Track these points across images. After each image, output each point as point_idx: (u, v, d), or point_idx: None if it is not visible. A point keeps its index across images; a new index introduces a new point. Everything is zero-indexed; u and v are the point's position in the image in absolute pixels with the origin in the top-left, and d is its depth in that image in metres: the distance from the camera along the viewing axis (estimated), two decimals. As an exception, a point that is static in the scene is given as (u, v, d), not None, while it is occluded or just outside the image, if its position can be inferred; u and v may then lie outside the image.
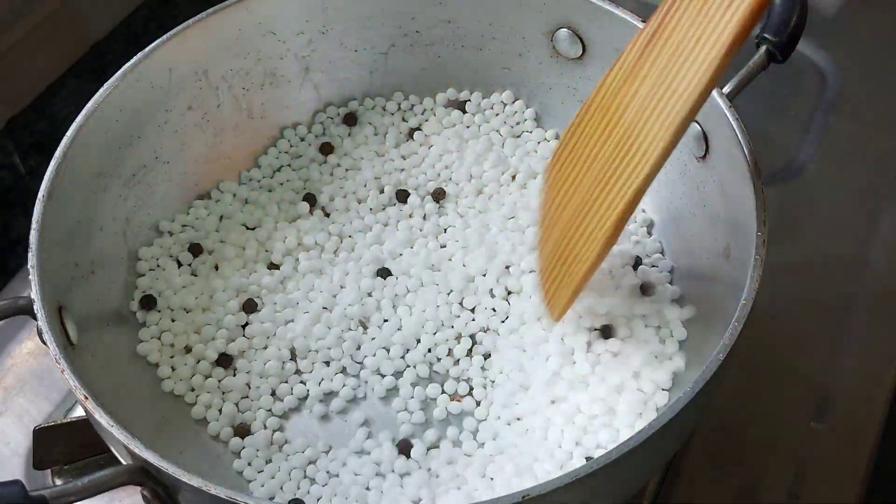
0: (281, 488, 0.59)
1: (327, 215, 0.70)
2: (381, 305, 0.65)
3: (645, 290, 0.64)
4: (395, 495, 0.57)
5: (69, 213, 0.59)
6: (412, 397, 0.62)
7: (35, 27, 0.79)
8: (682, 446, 0.63)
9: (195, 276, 0.66)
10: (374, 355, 0.63)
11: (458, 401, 0.61)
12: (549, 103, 0.71)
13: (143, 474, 0.48)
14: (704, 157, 0.61)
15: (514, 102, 0.72)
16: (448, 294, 0.66)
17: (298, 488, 0.59)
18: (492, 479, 0.57)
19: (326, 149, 0.72)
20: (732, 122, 0.57)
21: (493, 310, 0.65)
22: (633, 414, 0.59)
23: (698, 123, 0.60)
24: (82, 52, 0.83)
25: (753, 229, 0.54)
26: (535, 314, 0.64)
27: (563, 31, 0.67)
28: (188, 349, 0.63)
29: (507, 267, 0.66)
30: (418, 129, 0.73)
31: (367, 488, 0.58)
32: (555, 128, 0.72)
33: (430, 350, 0.64)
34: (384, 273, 0.67)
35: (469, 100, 0.73)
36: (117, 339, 0.62)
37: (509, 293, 0.66)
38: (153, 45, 0.64)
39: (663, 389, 0.60)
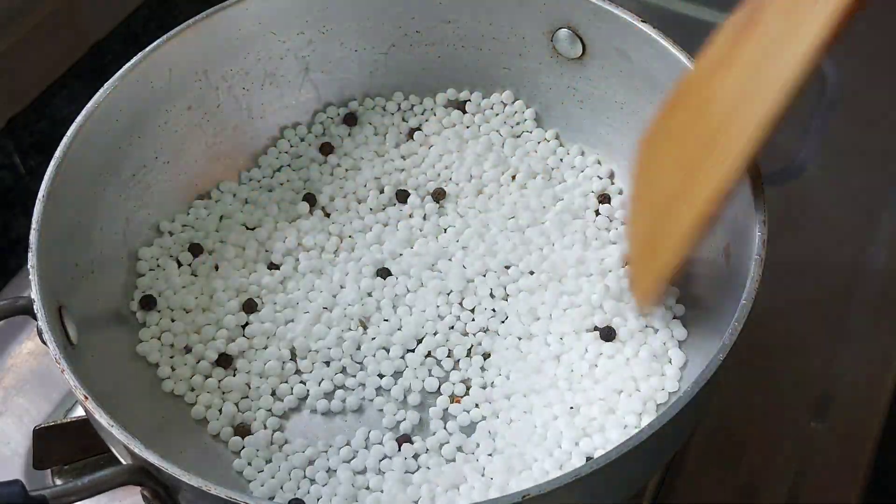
0: (281, 488, 0.59)
1: (327, 215, 0.70)
2: (381, 305, 0.65)
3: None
4: (395, 495, 0.57)
5: (69, 213, 0.59)
6: (412, 397, 0.62)
7: (35, 27, 0.79)
8: (682, 446, 0.63)
9: (195, 276, 0.66)
10: (374, 356, 0.63)
11: (458, 401, 0.61)
12: (549, 103, 0.71)
13: (143, 474, 0.48)
14: (704, 157, 0.61)
15: (513, 102, 0.72)
16: (448, 294, 0.66)
17: (298, 488, 0.59)
18: (491, 478, 0.57)
19: (326, 149, 0.72)
20: (732, 122, 0.57)
21: (493, 310, 0.65)
22: (633, 414, 0.59)
23: (698, 123, 0.60)
24: (82, 52, 0.83)
25: (753, 229, 0.54)
26: (535, 315, 0.64)
27: (563, 31, 0.67)
28: (188, 349, 0.63)
29: (507, 267, 0.66)
30: (418, 129, 0.73)
31: (367, 488, 0.58)
32: (555, 128, 0.72)
33: (430, 351, 0.64)
34: (384, 273, 0.67)
35: (469, 100, 0.73)
36: (117, 339, 0.62)
37: (508, 294, 0.66)
38: (153, 45, 0.64)
39: (663, 389, 0.60)
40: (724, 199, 0.51)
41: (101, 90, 0.61)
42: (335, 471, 0.59)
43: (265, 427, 0.61)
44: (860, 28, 0.87)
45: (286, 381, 0.63)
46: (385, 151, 0.72)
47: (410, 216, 0.69)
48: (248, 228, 0.69)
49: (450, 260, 0.67)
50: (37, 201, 0.56)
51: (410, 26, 0.71)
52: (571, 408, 0.60)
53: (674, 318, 0.63)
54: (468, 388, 0.62)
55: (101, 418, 0.49)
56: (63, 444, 0.62)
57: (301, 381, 0.63)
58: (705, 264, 0.62)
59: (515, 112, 0.72)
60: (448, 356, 0.63)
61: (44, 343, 0.52)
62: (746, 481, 0.64)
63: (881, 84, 0.84)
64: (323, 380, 0.62)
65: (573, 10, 0.66)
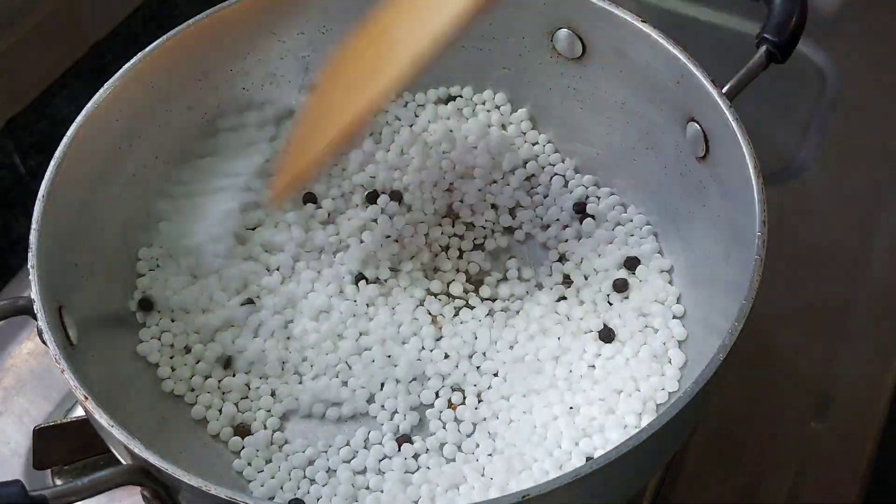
0: (281, 488, 0.59)
1: (328, 216, 0.70)
2: (379, 306, 0.65)
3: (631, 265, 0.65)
4: (395, 495, 0.57)
5: (69, 213, 0.59)
6: (412, 397, 0.62)
7: (35, 27, 0.79)
8: (682, 446, 0.63)
9: (195, 276, 0.66)
10: (374, 356, 0.63)
11: (454, 409, 0.61)
12: (549, 103, 0.71)
13: (143, 474, 0.48)
14: (704, 157, 0.61)
15: (507, 103, 0.72)
16: (447, 295, 0.66)
17: (298, 488, 0.59)
18: (491, 478, 0.57)
19: (326, 149, 0.72)
20: (732, 122, 0.57)
21: (493, 311, 0.65)
22: (633, 414, 0.59)
23: (698, 123, 0.61)
24: (82, 52, 0.83)
25: (753, 229, 0.54)
26: (535, 315, 0.64)
27: (563, 31, 0.67)
28: (188, 349, 0.63)
29: (508, 270, 0.67)
30: (415, 127, 0.73)
31: (367, 488, 0.58)
32: (554, 128, 0.72)
33: (431, 350, 0.64)
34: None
35: (460, 96, 0.73)
36: (117, 339, 0.62)
37: (511, 295, 0.66)
38: (153, 45, 0.64)
39: (663, 389, 0.60)
40: (367, 118, 0.57)
41: (101, 90, 0.61)
42: (335, 471, 0.59)
43: (265, 427, 0.61)
44: (860, 28, 0.87)
45: (286, 382, 0.62)
46: (384, 151, 0.72)
47: (408, 212, 0.69)
48: (246, 228, 0.69)
49: (448, 259, 0.67)
50: (37, 201, 0.56)
51: (410, 26, 0.71)
52: (571, 408, 0.60)
53: (674, 318, 0.63)
54: (469, 389, 0.62)
55: (101, 418, 0.49)
56: (63, 444, 0.62)
57: (300, 382, 0.63)
58: (705, 264, 0.62)
59: (511, 113, 0.72)
60: (446, 359, 0.63)
61: (44, 343, 0.52)
62: (746, 481, 0.64)
63: (881, 84, 0.84)
64: (323, 380, 0.62)
65: (573, 10, 0.66)
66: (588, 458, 0.57)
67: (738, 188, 0.56)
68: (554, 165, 0.71)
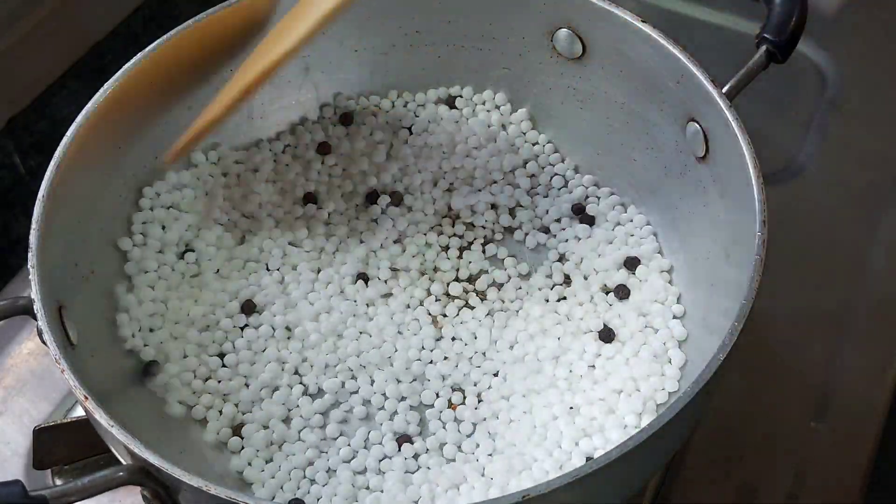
0: (281, 488, 0.59)
1: (328, 216, 0.70)
2: (379, 306, 0.65)
3: (631, 265, 0.65)
4: (395, 495, 0.57)
5: (69, 213, 0.59)
6: (412, 398, 0.62)
7: (35, 27, 0.79)
8: (682, 446, 0.63)
9: (194, 277, 0.66)
10: (374, 356, 0.63)
11: (454, 408, 0.61)
12: (549, 103, 0.71)
13: (143, 474, 0.48)
14: (704, 157, 0.61)
15: (507, 103, 0.72)
16: (447, 296, 0.66)
17: (298, 488, 0.58)
18: (491, 478, 0.57)
19: (324, 149, 0.72)
20: (732, 122, 0.57)
21: (493, 311, 0.65)
22: (633, 414, 0.59)
23: (698, 123, 0.61)
24: (82, 52, 0.83)
25: (753, 229, 0.54)
26: (535, 315, 0.64)
27: (563, 31, 0.67)
28: (188, 352, 0.63)
29: (508, 270, 0.67)
30: (415, 128, 0.73)
31: (367, 488, 0.58)
32: (554, 128, 0.72)
33: (431, 350, 0.64)
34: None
35: (460, 96, 0.73)
36: (117, 339, 0.62)
37: (511, 295, 0.66)
38: (153, 45, 0.63)
39: (663, 389, 0.60)
40: (254, 86, 0.61)
41: (101, 90, 0.61)
42: (335, 471, 0.59)
43: (265, 428, 0.61)
44: (860, 28, 0.87)
45: (287, 383, 0.62)
46: (384, 151, 0.72)
47: (405, 215, 0.69)
48: (247, 231, 0.69)
49: (448, 259, 0.67)
50: (37, 201, 0.56)
51: (410, 26, 0.71)
52: (571, 408, 0.60)
53: (674, 318, 0.63)
54: (469, 389, 0.62)
55: (101, 418, 0.49)
56: (63, 444, 0.62)
57: (301, 383, 0.63)
58: (705, 264, 0.62)
59: (511, 113, 0.72)
60: (446, 360, 0.63)
61: (44, 343, 0.52)
62: (746, 481, 0.64)
63: (881, 84, 0.84)
64: (322, 380, 0.62)
65: (573, 10, 0.66)
66: (588, 458, 0.57)
67: (738, 188, 0.56)
68: (554, 165, 0.71)
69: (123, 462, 0.51)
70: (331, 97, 0.73)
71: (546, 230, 0.69)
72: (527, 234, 0.69)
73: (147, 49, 0.63)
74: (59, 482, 0.63)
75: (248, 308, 0.65)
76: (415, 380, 0.62)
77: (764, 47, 0.60)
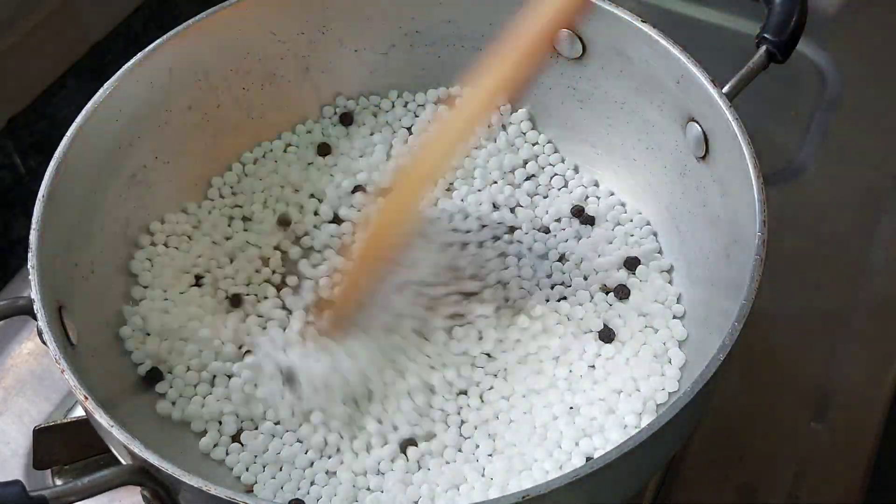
0: (281, 488, 0.59)
1: (333, 215, 0.70)
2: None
3: (631, 265, 0.65)
4: (395, 495, 0.57)
5: (69, 213, 0.59)
6: (412, 398, 0.62)
7: (35, 27, 0.79)
8: (682, 446, 0.63)
9: (196, 287, 0.66)
10: (374, 357, 0.63)
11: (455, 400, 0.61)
12: (549, 103, 0.71)
13: (143, 474, 0.48)
14: (704, 157, 0.61)
15: (507, 103, 0.72)
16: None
17: (298, 488, 0.58)
18: (491, 478, 0.57)
19: (324, 149, 0.72)
20: (732, 122, 0.57)
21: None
22: (633, 414, 0.59)
23: (698, 123, 0.61)
24: (82, 52, 0.83)
25: (753, 229, 0.54)
26: (536, 315, 0.64)
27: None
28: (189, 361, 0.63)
29: (508, 270, 0.67)
30: (415, 128, 0.73)
31: (367, 488, 0.58)
32: (554, 128, 0.72)
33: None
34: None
35: (460, 96, 0.73)
36: (117, 339, 0.62)
37: (511, 295, 0.66)
38: (153, 45, 0.64)
39: (663, 389, 0.60)
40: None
41: (101, 90, 0.61)
42: (335, 472, 0.59)
43: (264, 429, 0.60)
44: (860, 28, 0.87)
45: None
46: (384, 151, 0.72)
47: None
48: (245, 230, 0.69)
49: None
50: (37, 201, 0.56)
51: (410, 26, 0.71)
52: (571, 408, 0.60)
53: (674, 318, 0.63)
54: (469, 388, 0.62)
55: (101, 418, 0.49)
56: (63, 444, 0.62)
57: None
58: (705, 264, 0.62)
59: (511, 113, 0.72)
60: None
61: (44, 343, 0.52)
62: (746, 481, 0.64)
63: (881, 84, 0.84)
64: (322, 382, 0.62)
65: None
66: (588, 458, 0.57)
67: (738, 188, 0.56)
68: (554, 165, 0.71)
69: (123, 462, 0.51)
70: (331, 97, 0.73)
71: (546, 230, 0.69)
72: (527, 234, 0.69)
73: (147, 49, 0.63)
74: (59, 482, 0.63)
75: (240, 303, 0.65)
76: (415, 379, 0.62)
77: (764, 47, 0.60)
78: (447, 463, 0.59)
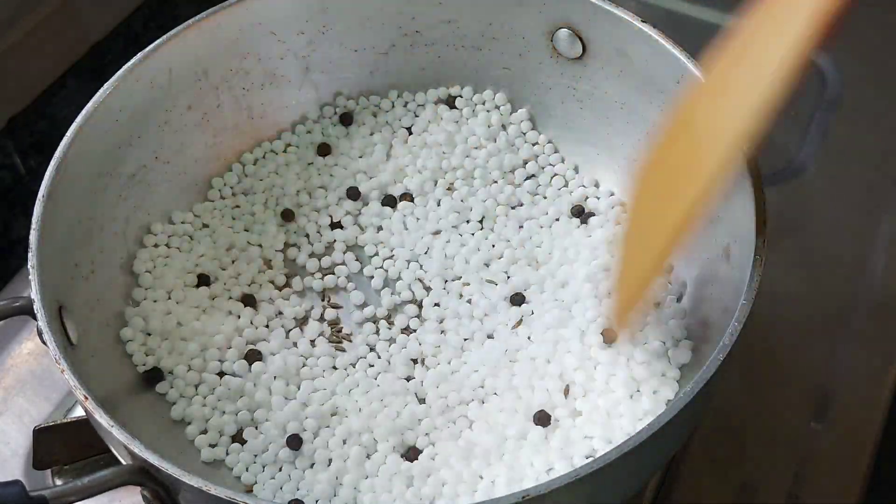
0: (281, 488, 0.59)
1: (331, 218, 0.70)
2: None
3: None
4: (396, 495, 0.57)
5: (69, 213, 0.59)
6: (411, 398, 0.62)
7: (35, 27, 0.79)
8: (682, 446, 0.63)
9: (197, 288, 0.66)
10: (374, 355, 0.63)
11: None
12: (549, 103, 0.71)
13: (143, 474, 0.48)
14: (704, 157, 0.61)
15: (507, 103, 0.72)
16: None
17: (298, 489, 0.58)
18: (492, 481, 0.57)
19: (324, 149, 0.72)
20: (732, 123, 0.57)
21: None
22: (633, 415, 0.59)
23: (698, 123, 0.60)
24: (82, 52, 0.83)
25: (753, 230, 0.54)
26: (536, 315, 0.64)
27: (563, 31, 0.67)
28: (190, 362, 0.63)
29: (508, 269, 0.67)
30: (415, 128, 0.73)
31: (367, 489, 0.58)
32: (554, 128, 0.72)
33: (434, 355, 0.64)
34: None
35: (460, 96, 0.73)
36: (117, 339, 0.62)
37: (518, 296, 0.66)
38: (153, 45, 0.64)
39: (663, 390, 0.60)
40: (693, 223, 0.50)
41: (101, 90, 0.61)
42: (335, 472, 0.59)
43: (264, 432, 0.60)
44: (860, 28, 0.87)
45: (288, 384, 0.62)
46: (384, 151, 0.72)
47: (406, 215, 0.69)
48: (245, 230, 0.69)
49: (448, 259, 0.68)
50: (37, 201, 0.56)
51: (410, 26, 0.71)
52: (571, 409, 0.60)
53: (673, 319, 0.63)
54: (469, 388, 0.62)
55: (101, 418, 0.49)
56: (63, 444, 0.62)
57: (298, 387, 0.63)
58: (705, 264, 0.62)
59: (511, 113, 0.72)
60: (448, 363, 0.63)
61: (44, 343, 0.52)
62: (746, 481, 0.64)
63: (881, 84, 0.84)
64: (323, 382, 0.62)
65: (573, 10, 0.66)
66: (588, 458, 0.57)
67: (738, 188, 0.56)
68: (554, 165, 0.71)
69: (123, 462, 0.51)
70: (331, 97, 0.73)
71: (546, 230, 0.69)
72: (527, 234, 0.68)
73: (147, 49, 0.63)
74: (59, 482, 0.63)
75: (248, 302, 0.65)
76: (416, 379, 0.62)
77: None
78: (447, 464, 0.59)
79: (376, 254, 0.68)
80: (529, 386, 0.61)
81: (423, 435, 0.60)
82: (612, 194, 0.69)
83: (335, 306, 0.66)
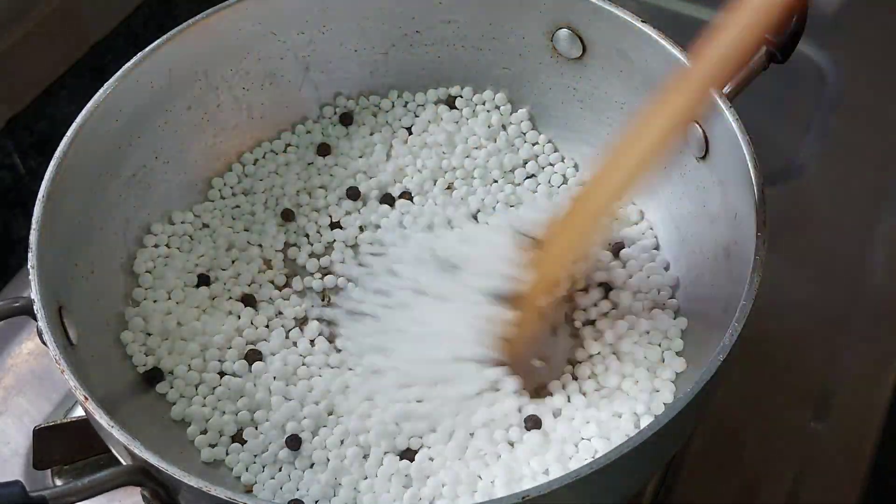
0: (281, 488, 0.59)
1: (330, 218, 0.70)
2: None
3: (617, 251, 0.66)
4: (395, 495, 0.57)
5: (69, 213, 0.59)
6: (411, 397, 0.62)
7: (35, 27, 0.79)
8: (682, 446, 0.63)
9: (196, 288, 0.66)
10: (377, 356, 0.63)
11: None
12: (549, 103, 0.71)
13: (143, 474, 0.48)
14: (704, 157, 0.61)
15: (507, 103, 0.72)
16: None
17: (298, 489, 0.58)
18: (491, 481, 0.57)
19: (324, 149, 0.72)
20: (732, 122, 0.57)
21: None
22: (633, 414, 0.59)
23: (698, 124, 0.60)
24: (82, 52, 0.83)
25: (753, 229, 0.54)
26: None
27: (563, 31, 0.67)
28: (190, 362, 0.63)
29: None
30: (415, 128, 0.73)
31: (367, 489, 0.58)
32: (554, 128, 0.72)
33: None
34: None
35: (460, 96, 0.73)
36: (117, 339, 0.62)
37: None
38: (153, 45, 0.64)
39: (663, 390, 0.60)
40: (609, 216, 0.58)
41: (101, 90, 0.61)
42: (335, 472, 0.59)
43: (264, 433, 0.60)
44: (860, 28, 0.87)
45: (287, 385, 0.62)
46: (384, 151, 0.72)
47: (403, 215, 0.69)
48: (245, 230, 0.69)
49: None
50: (37, 201, 0.56)
51: (410, 26, 0.71)
52: (571, 409, 0.60)
53: (673, 319, 0.63)
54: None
55: (101, 419, 0.49)
56: (63, 444, 0.62)
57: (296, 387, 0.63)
58: (705, 264, 0.62)
59: (511, 113, 0.72)
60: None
61: (44, 343, 0.52)
62: (746, 481, 0.64)
63: (881, 84, 0.84)
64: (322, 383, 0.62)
65: (573, 10, 0.66)
66: (588, 458, 0.57)
67: (738, 188, 0.56)
68: (554, 165, 0.71)
69: (123, 462, 0.51)
70: (331, 97, 0.73)
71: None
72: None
73: (147, 49, 0.63)
74: (59, 482, 0.63)
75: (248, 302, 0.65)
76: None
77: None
78: (447, 464, 0.59)
79: (376, 254, 0.68)
80: (529, 386, 0.61)
81: (420, 436, 0.60)
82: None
83: (335, 306, 0.66)
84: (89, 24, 0.84)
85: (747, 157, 0.56)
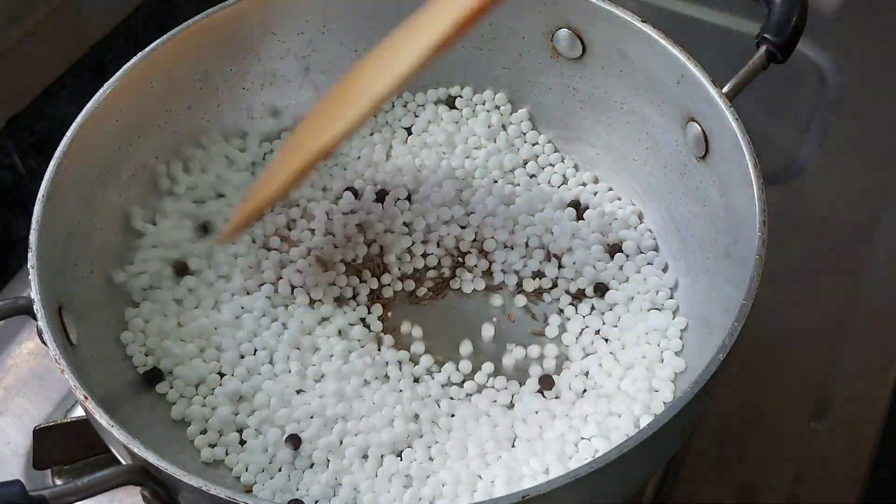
0: (280, 489, 0.59)
1: (327, 216, 0.70)
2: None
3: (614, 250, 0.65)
4: (395, 495, 0.57)
5: (69, 213, 0.59)
6: (411, 398, 0.62)
7: (35, 27, 0.79)
8: (682, 446, 0.63)
9: (189, 290, 0.66)
10: (378, 356, 0.63)
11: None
12: (549, 103, 0.71)
13: (143, 474, 0.48)
14: (704, 157, 0.61)
15: (507, 103, 0.72)
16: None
17: (298, 489, 0.58)
18: (491, 481, 0.57)
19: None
20: (732, 122, 0.57)
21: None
22: (633, 414, 0.59)
23: (698, 123, 0.61)
24: (82, 52, 0.83)
25: (753, 229, 0.54)
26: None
27: (563, 31, 0.67)
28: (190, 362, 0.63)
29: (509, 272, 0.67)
30: (415, 128, 0.73)
31: (367, 489, 0.58)
32: (554, 128, 0.72)
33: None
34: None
35: (460, 96, 0.73)
36: (117, 339, 0.62)
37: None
38: (153, 45, 0.64)
39: (663, 389, 0.60)
40: (324, 155, 0.54)
41: (101, 90, 0.61)
42: (335, 472, 0.59)
43: (264, 433, 0.60)
44: (860, 28, 0.87)
45: (288, 386, 0.62)
46: (382, 151, 0.72)
47: (402, 213, 0.69)
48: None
49: (449, 257, 0.67)
50: (37, 201, 0.56)
51: (410, 26, 0.71)
52: (571, 409, 0.60)
53: (673, 319, 0.63)
54: (469, 388, 0.62)
55: (101, 418, 0.49)
56: (63, 444, 0.62)
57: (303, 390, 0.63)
58: (705, 264, 0.62)
59: (511, 113, 0.72)
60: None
61: (44, 343, 0.52)
62: (746, 481, 0.64)
63: (881, 84, 0.84)
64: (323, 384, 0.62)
65: (573, 10, 0.66)
66: (588, 458, 0.57)
67: (738, 188, 0.57)
68: (554, 165, 0.71)
69: (123, 462, 0.51)
70: (331, 97, 0.73)
71: (546, 229, 0.69)
72: (527, 234, 0.68)
73: (147, 49, 0.63)
74: (59, 482, 0.63)
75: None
76: (417, 379, 0.62)
77: (764, 47, 0.60)
78: (447, 464, 0.59)
79: (375, 253, 0.68)
80: (528, 385, 0.61)
81: (419, 436, 0.60)
82: (612, 194, 0.69)
83: (336, 306, 0.66)
84: (89, 24, 0.84)
85: (747, 157, 0.56)
